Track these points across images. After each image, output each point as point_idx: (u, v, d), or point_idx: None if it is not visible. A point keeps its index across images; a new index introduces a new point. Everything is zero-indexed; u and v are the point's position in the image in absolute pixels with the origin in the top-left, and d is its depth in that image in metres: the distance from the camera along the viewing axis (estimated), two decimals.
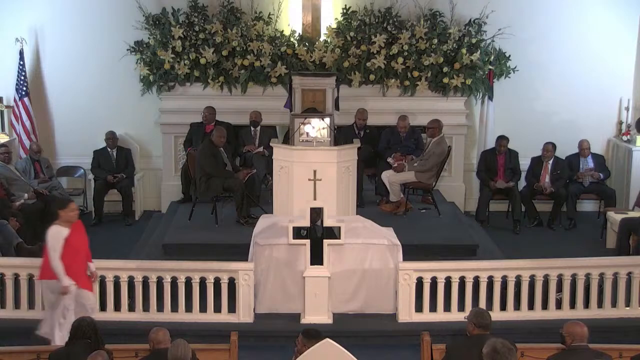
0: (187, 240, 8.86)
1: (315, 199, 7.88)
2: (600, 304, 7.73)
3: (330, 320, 7.54)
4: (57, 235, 6.72)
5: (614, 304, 7.75)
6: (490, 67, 11.00)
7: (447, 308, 7.62)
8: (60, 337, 6.65)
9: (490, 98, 11.07)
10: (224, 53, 10.78)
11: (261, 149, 10.34)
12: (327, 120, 8.96)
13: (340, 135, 9.68)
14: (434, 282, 7.62)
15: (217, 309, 7.59)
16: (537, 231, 10.54)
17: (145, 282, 7.59)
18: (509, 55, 11.10)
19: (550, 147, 10.66)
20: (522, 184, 10.85)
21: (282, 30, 10.97)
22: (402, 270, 7.59)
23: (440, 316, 7.61)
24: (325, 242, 7.46)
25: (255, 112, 10.51)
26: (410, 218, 9.61)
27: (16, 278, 7.58)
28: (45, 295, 7.06)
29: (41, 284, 7.06)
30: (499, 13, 10.83)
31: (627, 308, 7.75)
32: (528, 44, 11.09)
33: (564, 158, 10.83)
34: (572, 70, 11.20)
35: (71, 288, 6.72)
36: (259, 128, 10.54)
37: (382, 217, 9.21)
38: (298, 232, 7.46)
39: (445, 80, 10.90)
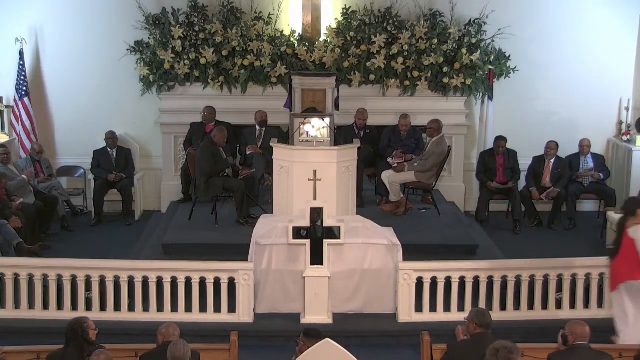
0: (187, 240, 8.86)
1: (315, 199, 7.89)
2: (600, 304, 7.73)
3: (330, 320, 7.54)
4: None
5: None
6: (490, 67, 10.98)
7: (447, 308, 7.62)
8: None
9: (490, 98, 11.06)
10: (224, 53, 10.77)
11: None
12: (327, 120, 8.95)
13: (340, 135, 9.67)
14: (433, 282, 7.62)
15: (217, 309, 7.59)
16: (537, 231, 10.52)
17: (145, 282, 7.59)
18: (509, 55, 11.09)
19: (553, 145, 10.64)
20: (522, 183, 10.85)
21: (282, 30, 10.96)
22: (402, 270, 7.59)
23: (440, 316, 7.61)
24: (325, 242, 7.47)
25: (261, 112, 10.50)
26: (410, 218, 9.60)
27: (16, 278, 7.58)
28: (621, 299, 6.93)
29: (622, 287, 6.89)
30: (499, 13, 10.82)
31: None
32: (528, 44, 11.08)
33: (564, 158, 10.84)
34: (572, 70, 11.19)
35: None
36: (264, 128, 10.53)
37: (382, 217, 9.21)
38: (298, 232, 7.46)
39: (445, 80, 10.89)
